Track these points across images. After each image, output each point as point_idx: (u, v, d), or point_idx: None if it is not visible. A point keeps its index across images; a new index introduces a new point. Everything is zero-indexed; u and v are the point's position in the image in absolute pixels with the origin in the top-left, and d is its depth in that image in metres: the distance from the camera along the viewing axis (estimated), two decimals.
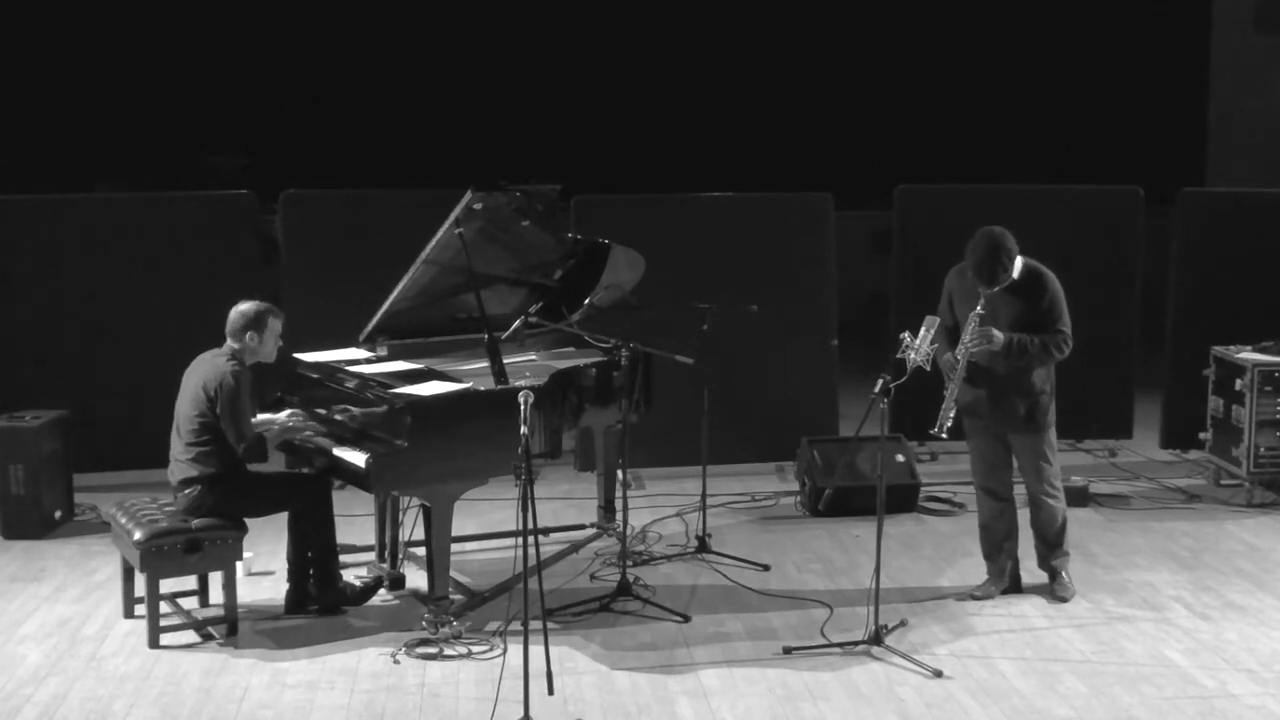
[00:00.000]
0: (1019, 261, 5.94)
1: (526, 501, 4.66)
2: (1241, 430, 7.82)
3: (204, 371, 5.71)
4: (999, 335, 5.83)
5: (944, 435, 5.83)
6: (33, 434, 7.19)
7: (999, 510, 6.19)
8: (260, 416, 5.95)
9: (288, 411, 6.05)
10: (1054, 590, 6.20)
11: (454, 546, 5.89)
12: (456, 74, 21.06)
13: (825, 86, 21.18)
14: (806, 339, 8.54)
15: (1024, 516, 6.28)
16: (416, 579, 6.30)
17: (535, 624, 4.81)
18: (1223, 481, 8.19)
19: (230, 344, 5.78)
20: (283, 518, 6.02)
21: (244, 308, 5.81)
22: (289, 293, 8.25)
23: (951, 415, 5.85)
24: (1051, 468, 6.12)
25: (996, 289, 5.86)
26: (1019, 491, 6.27)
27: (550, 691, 4.86)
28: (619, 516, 6.55)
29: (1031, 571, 6.32)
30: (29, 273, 8.09)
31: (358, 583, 6.17)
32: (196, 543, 5.65)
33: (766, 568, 6.64)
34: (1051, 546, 6.22)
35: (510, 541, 6.71)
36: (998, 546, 6.23)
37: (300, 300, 8.18)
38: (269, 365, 6.08)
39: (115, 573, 6.18)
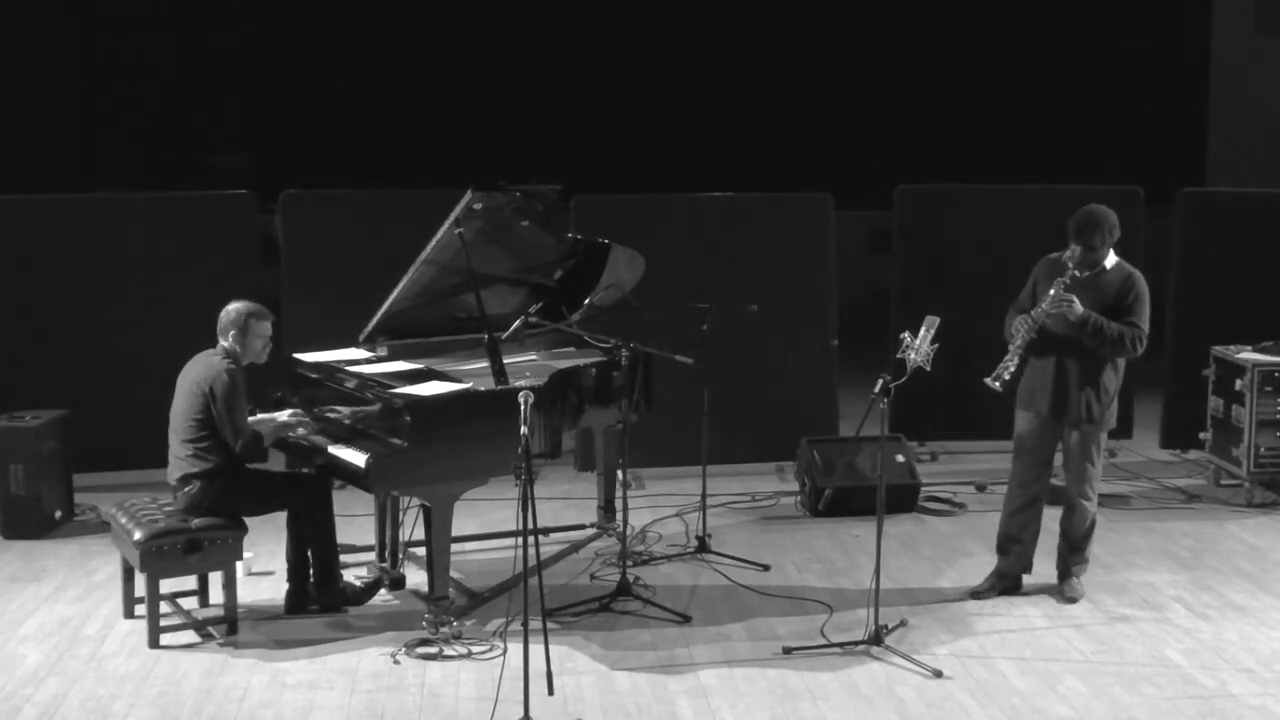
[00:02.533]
0: (1113, 256, 5.99)
1: (526, 501, 4.66)
2: (1241, 430, 7.82)
3: (199, 370, 5.72)
4: (1079, 305, 5.82)
5: (998, 386, 5.81)
6: (33, 434, 7.18)
7: (1025, 505, 6.18)
8: (260, 416, 5.95)
9: (288, 411, 6.05)
10: (1063, 591, 6.20)
11: (454, 546, 5.88)
12: (457, 74, 21.05)
13: (825, 86, 21.17)
14: (806, 339, 8.54)
15: (1049, 520, 6.27)
16: (416, 579, 6.30)
17: (535, 624, 4.81)
18: (1223, 481, 8.19)
19: (222, 343, 5.79)
20: (282, 517, 6.02)
21: (230, 308, 5.81)
22: (289, 293, 8.26)
23: (1011, 369, 5.83)
24: (1094, 469, 6.11)
25: (1086, 273, 5.88)
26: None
27: (550, 691, 4.86)
28: (619, 516, 6.55)
29: (1034, 571, 6.31)
30: (29, 272, 8.09)
31: (358, 582, 6.17)
32: (196, 543, 5.65)
33: (766, 568, 6.64)
34: (1075, 549, 6.21)
35: (510, 541, 6.72)
36: (1011, 543, 6.21)
37: (300, 300, 8.20)
38: (268, 365, 6.07)
39: (115, 573, 6.18)
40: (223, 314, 5.81)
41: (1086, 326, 5.85)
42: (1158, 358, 8.91)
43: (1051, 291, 5.84)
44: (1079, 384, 5.97)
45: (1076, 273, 5.88)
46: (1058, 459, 6.23)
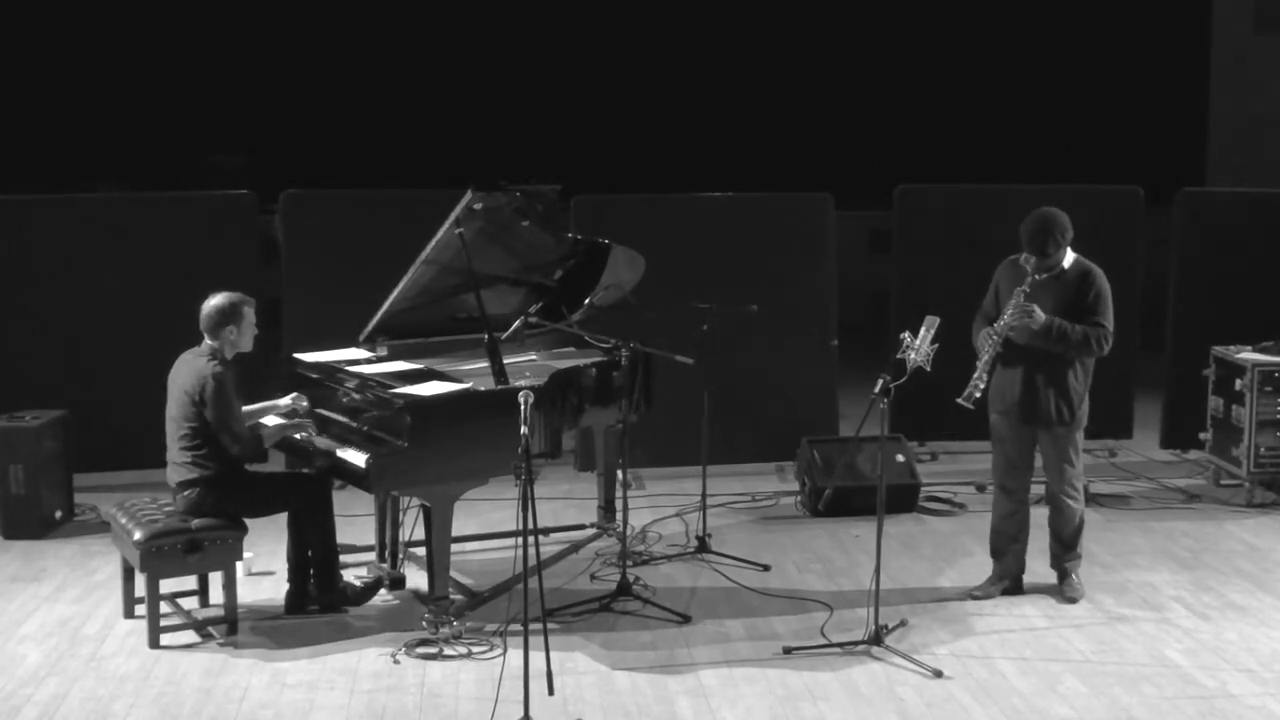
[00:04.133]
0: (1071, 255, 5.98)
1: (526, 501, 4.66)
2: (1241, 430, 7.82)
3: (186, 375, 5.65)
4: (1040, 314, 5.82)
5: (970, 405, 5.81)
6: (33, 434, 7.18)
7: (1013, 509, 6.18)
8: (259, 405, 5.92)
9: (292, 395, 6.03)
10: (1063, 591, 6.20)
11: (454, 546, 5.88)
12: (456, 74, 21.07)
13: (825, 86, 21.19)
14: (806, 339, 8.54)
15: (1039, 516, 6.28)
16: (416, 579, 6.30)
17: (535, 624, 4.81)
18: (1223, 481, 8.19)
19: (208, 342, 5.71)
20: (283, 518, 6.02)
21: (216, 302, 5.71)
22: (289, 293, 8.25)
23: (981, 388, 5.83)
24: (1074, 469, 6.10)
25: (1044, 275, 5.88)
26: (1035, 493, 6.29)
27: (550, 691, 4.86)
28: (619, 516, 6.55)
29: (1033, 572, 6.32)
30: (29, 273, 8.09)
31: (358, 583, 6.17)
32: (196, 543, 5.65)
33: (766, 568, 6.64)
34: (1066, 547, 6.22)
35: (510, 541, 6.71)
36: (1006, 547, 6.22)
37: (300, 300, 8.19)
38: (266, 365, 6.05)
39: (115, 573, 6.17)
40: (209, 309, 5.70)
41: (1050, 333, 5.84)
42: (1158, 358, 8.93)
43: (1012, 302, 5.84)
44: (1046, 386, 5.96)
45: (1035, 277, 5.87)
46: (1038, 459, 6.23)
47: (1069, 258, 5.98)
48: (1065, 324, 5.86)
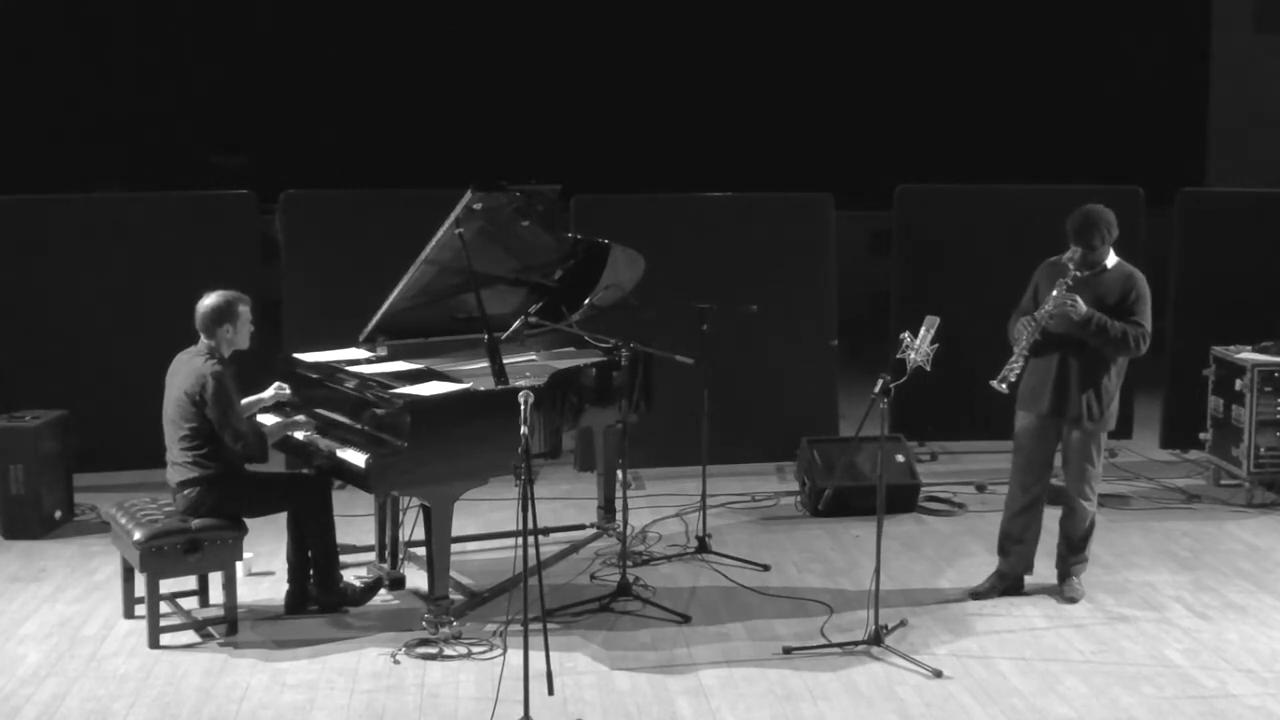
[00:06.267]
0: (1113, 256, 6.01)
1: (526, 501, 4.66)
2: (1241, 430, 7.82)
3: (184, 376, 5.65)
4: (1082, 304, 5.82)
5: (1004, 389, 5.82)
6: (33, 434, 7.18)
7: (1025, 507, 6.17)
8: (246, 401, 5.93)
9: (274, 385, 6.03)
10: (1064, 591, 6.20)
11: (454, 546, 5.88)
12: (456, 74, 21.06)
13: (825, 86, 21.18)
14: (807, 339, 8.54)
15: (1049, 520, 6.27)
16: (416, 579, 6.30)
17: (535, 624, 4.81)
18: (1223, 481, 8.19)
19: (205, 341, 5.72)
20: (282, 518, 6.02)
21: (211, 301, 5.72)
22: (289, 293, 8.25)
23: (1017, 371, 5.83)
24: (1094, 469, 6.11)
25: (1086, 273, 5.89)
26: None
27: (550, 691, 4.86)
28: (619, 516, 6.55)
29: (1035, 571, 6.31)
30: (29, 273, 8.09)
31: (358, 583, 6.17)
32: (196, 543, 5.65)
33: (766, 568, 6.64)
34: (1074, 550, 6.21)
35: (510, 541, 6.71)
36: (1010, 547, 6.21)
37: (300, 300, 8.19)
38: (266, 364, 6.05)
39: (115, 573, 6.18)
40: (203, 309, 5.71)
41: (1090, 326, 5.85)
42: (1158, 358, 8.92)
43: (1054, 293, 5.85)
44: (1080, 384, 5.97)
45: (1078, 273, 5.88)
46: (1057, 460, 6.22)
47: (1111, 258, 6.00)
48: (1106, 318, 5.86)
